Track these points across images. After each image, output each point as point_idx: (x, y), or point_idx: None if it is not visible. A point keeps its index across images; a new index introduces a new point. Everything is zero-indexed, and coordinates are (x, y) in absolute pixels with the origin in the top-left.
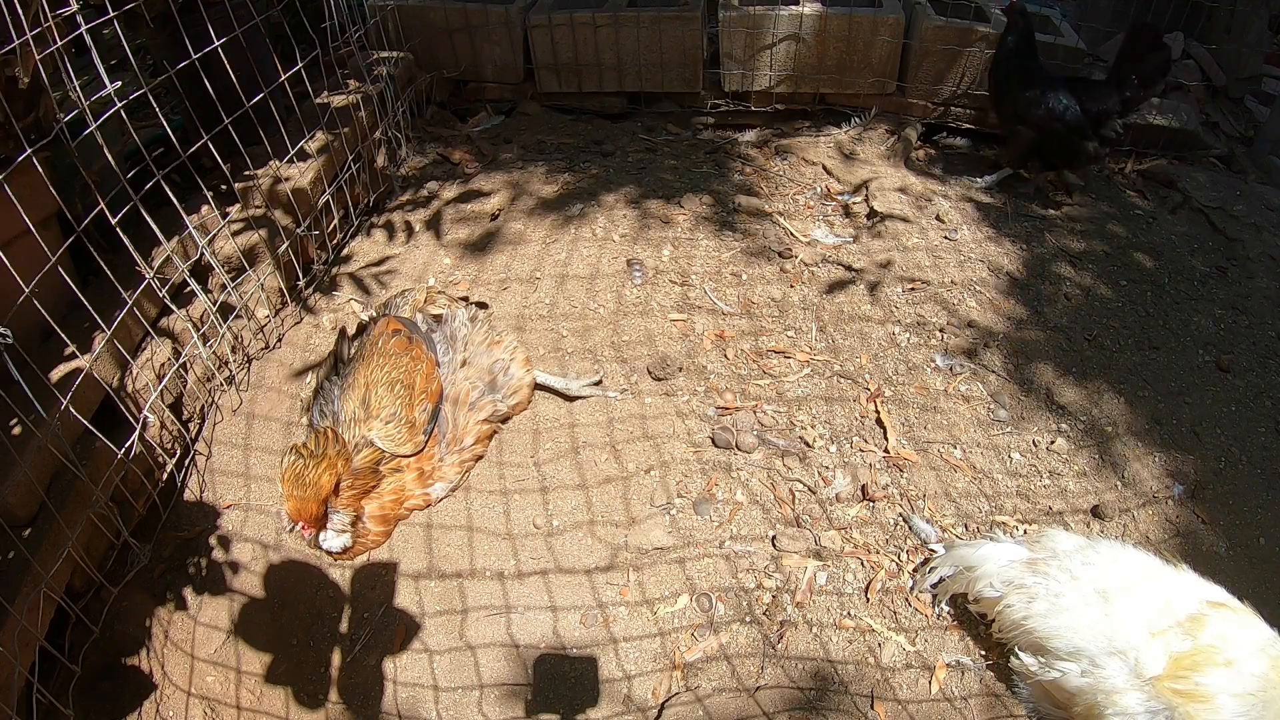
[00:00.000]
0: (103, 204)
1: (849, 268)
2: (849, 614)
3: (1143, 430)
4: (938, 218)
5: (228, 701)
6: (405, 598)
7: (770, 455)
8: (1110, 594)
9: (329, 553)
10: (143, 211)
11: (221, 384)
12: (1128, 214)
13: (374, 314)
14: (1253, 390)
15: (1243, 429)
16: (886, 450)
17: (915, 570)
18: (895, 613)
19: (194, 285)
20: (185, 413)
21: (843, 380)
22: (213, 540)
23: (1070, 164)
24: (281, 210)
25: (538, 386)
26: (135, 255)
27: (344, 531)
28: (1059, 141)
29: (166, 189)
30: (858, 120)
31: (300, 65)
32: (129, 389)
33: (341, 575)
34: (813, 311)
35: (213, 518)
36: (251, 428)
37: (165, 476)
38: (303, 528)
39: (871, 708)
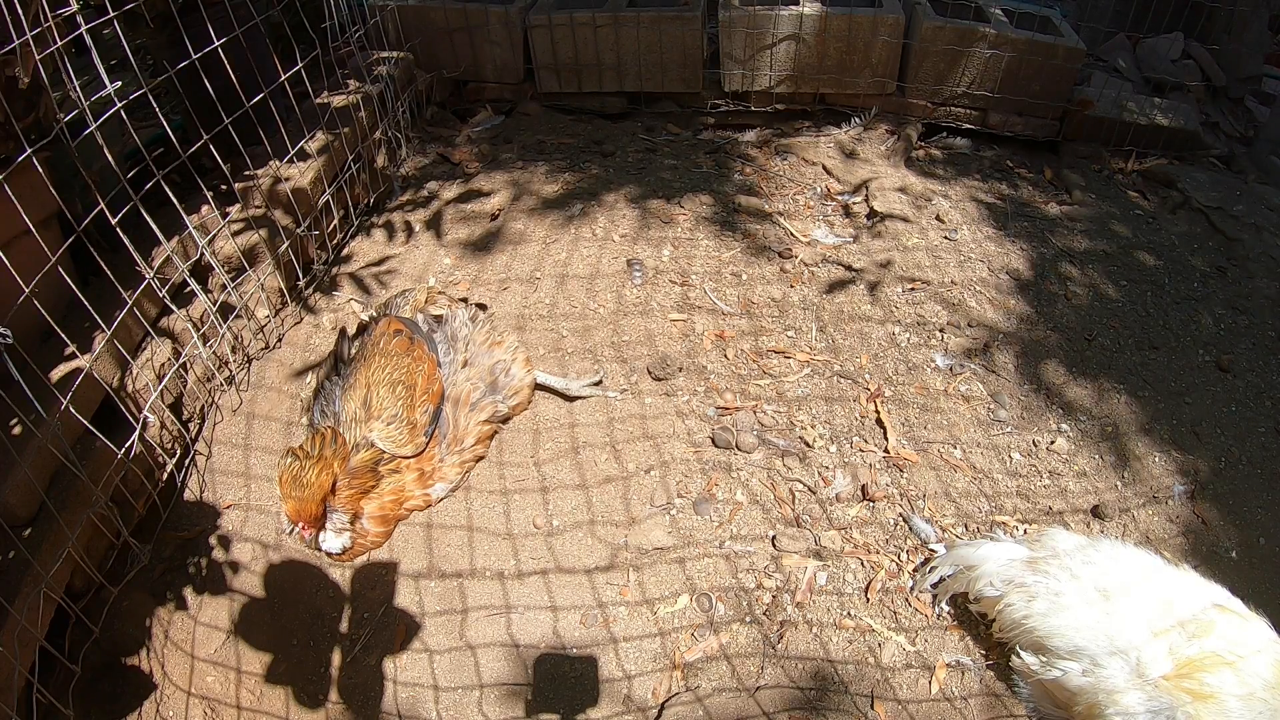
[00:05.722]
0: (103, 204)
1: (849, 268)
2: (849, 614)
3: (1143, 430)
4: (938, 217)
5: (228, 701)
6: (405, 598)
7: (770, 455)
8: (1111, 593)
9: (328, 553)
10: (143, 211)
11: (221, 384)
12: (1127, 214)
13: (374, 314)
14: (1253, 390)
15: (1243, 429)
16: (886, 450)
17: (915, 570)
18: (895, 613)
19: (194, 285)
20: (185, 413)
21: (843, 380)
22: (213, 540)
23: None
24: (281, 210)
25: (538, 386)
26: (135, 255)
27: (343, 531)
28: None
29: (166, 189)
30: (858, 120)
31: (300, 65)
32: (129, 389)
33: (342, 575)
34: (813, 311)
35: (213, 518)
36: (251, 428)
37: (165, 476)
38: (302, 528)
39: (871, 708)
